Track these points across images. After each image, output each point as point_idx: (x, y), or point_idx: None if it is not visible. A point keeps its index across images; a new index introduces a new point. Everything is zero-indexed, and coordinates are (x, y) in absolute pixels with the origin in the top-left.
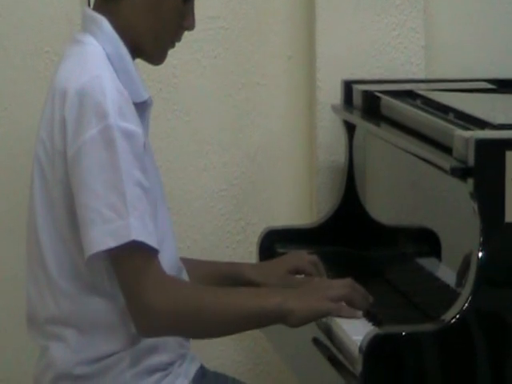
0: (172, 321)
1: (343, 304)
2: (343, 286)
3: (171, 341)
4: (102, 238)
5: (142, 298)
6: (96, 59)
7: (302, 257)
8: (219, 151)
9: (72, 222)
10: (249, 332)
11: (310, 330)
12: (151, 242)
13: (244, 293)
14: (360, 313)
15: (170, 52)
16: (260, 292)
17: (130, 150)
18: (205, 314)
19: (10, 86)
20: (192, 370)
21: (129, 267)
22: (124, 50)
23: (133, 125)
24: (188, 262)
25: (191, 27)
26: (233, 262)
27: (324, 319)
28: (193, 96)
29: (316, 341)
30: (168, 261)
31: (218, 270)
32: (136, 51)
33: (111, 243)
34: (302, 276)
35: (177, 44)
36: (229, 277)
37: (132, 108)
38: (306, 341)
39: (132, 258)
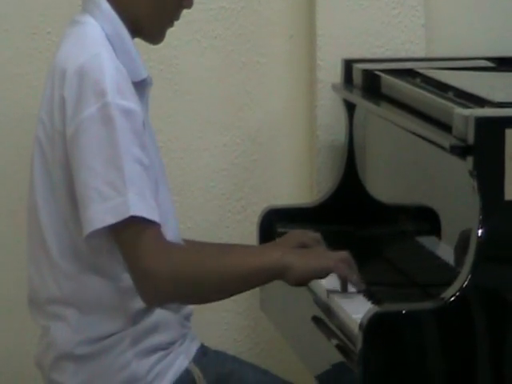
0: (174, 285)
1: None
2: (340, 253)
3: (172, 320)
4: (102, 215)
5: (143, 265)
6: (95, 38)
7: (306, 234)
8: (220, 131)
9: (72, 202)
10: (249, 312)
11: (310, 309)
12: (152, 216)
13: (243, 250)
14: (355, 277)
15: (170, 33)
16: (259, 248)
17: (128, 128)
18: (207, 275)
19: (12, 66)
20: (193, 349)
21: (129, 240)
22: (123, 30)
23: (131, 102)
24: (191, 244)
25: (190, 5)
26: (235, 243)
27: (324, 298)
28: (193, 76)
29: (316, 319)
30: (169, 240)
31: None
32: (135, 30)
33: (110, 220)
34: None
35: (177, 25)
36: None
37: (130, 86)
38: (306, 319)
39: (132, 232)
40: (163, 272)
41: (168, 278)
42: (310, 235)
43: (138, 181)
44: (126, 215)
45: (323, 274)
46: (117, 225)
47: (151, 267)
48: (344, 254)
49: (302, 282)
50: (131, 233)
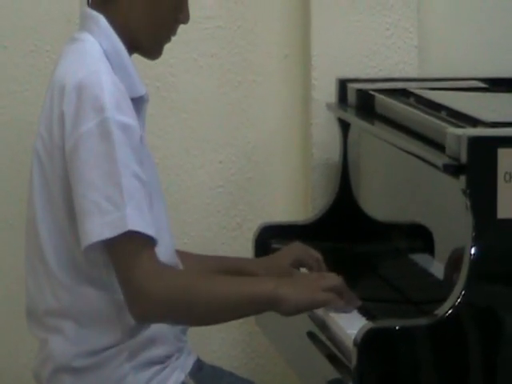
0: (166, 308)
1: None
2: (334, 277)
3: (168, 334)
4: (99, 229)
5: (136, 285)
6: (93, 55)
7: (307, 250)
8: (216, 148)
9: (71, 215)
10: (245, 326)
11: (305, 324)
12: (148, 231)
13: (237, 280)
14: (351, 308)
15: (168, 51)
16: (254, 279)
17: (126, 143)
18: (198, 301)
19: (11, 83)
20: (189, 363)
21: (124, 255)
22: (121, 46)
23: (129, 118)
24: (191, 257)
25: (186, 20)
26: (235, 256)
27: (319, 313)
28: (190, 94)
29: (311, 334)
30: (163, 255)
31: (221, 264)
32: (133, 47)
33: (108, 234)
34: (304, 269)
35: (174, 43)
36: (231, 271)
37: (129, 102)
38: (301, 334)
39: (127, 247)
40: (154, 294)
41: (159, 301)
42: (311, 253)
43: (135, 196)
44: (124, 230)
45: (316, 308)
46: (114, 239)
47: (143, 288)
48: (336, 281)
49: (295, 314)
50: (127, 250)
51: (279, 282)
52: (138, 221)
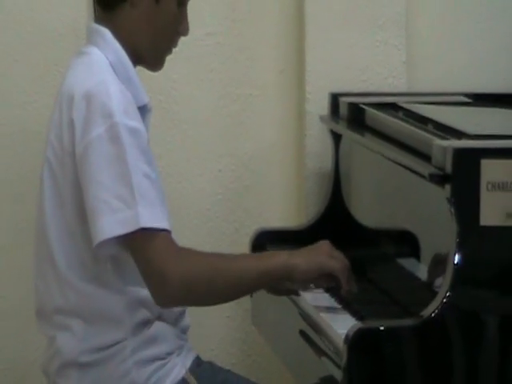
0: (187, 288)
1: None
2: (343, 258)
3: (170, 332)
4: (112, 226)
5: (155, 270)
6: (100, 66)
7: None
8: (215, 158)
9: (80, 217)
10: (242, 326)
11: (298, 324)
12: (162, 224)
13: (252, 255)
14: (355, 286)
15: (170, 66)
16: (267, 253)
17: (135, 145)
18: (217, 278)
19: (21, 94)
20: (189, 359)
21: (142, 250)
22: (125, 58)
23: (137, 122)
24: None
25: (186, 32)
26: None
27: (310, 314)
28: (191, 107)
29: (304, 334)
30: None
31: None
32: (137, 59)
33: (120, 231)
34: None
35: (176, 59)
36: None
37: (135, 108)
38: (295, 334)
39: (143, 242)
40: (175, 275)
41: (180, 281)
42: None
43: (146, 194)
44: (136, 227)
45: (325, 274)
46: (127, 236)
47: (163, 271)
48: (344, 259)
49: (308, 280)
50: (143, 245)
51: (291, 253)
52: (149, 217)
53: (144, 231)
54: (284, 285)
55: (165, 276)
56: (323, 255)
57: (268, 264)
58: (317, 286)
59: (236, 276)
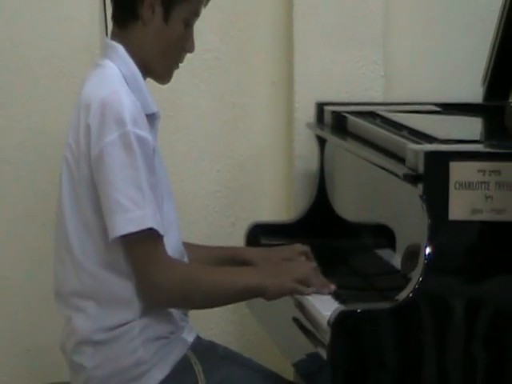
0: (176, 296)
1: (305, 286)
2: (307, 268)
3: (173, 314)
4: (123, 224)
5: (151, 279)
6: (114, 78)
7: (295, 249)
8: (214, 159)
9: (95, 211)
10: (237, 308)
11: (288, 307)
12: (160, 229)
13: (231, 272)
14: (325, 291)
15: (174, 78)
16: (243, 271)
17: (142, 153)
18: (202, 290)
19: (40, 103)
20: (190, 338)
21: (141, 250)
22: (136, 71)
23: (144, 132)
24: (196, 247)
25: (192, 49)
26: (234, 246)
27: (299, 298)
28: (192, 114)
29: (292, 315)
30: (173, 246)
31: (222, 253)
32: (146, 72)
33: (131, 229)
34: None
35: (179, 72)
36: (227, 258)
37: (144, 118)
38: (285, 316)
39: (145, 243)
40: (167, 287)
41: (171, 292)
42: (299, 250)
43: (152, 199)
44: (145, 226)
45: (288, 294)
46: (136, 234)
47: (158, 283)
48: (308, 272)
49: (276, 298)
50: (145, 245)
51: (264, 275)
52: (154, 220)
53: (149, 235)
54: None
55: (158, 287)
56: (290, 278)
57: (245, 283)
58: None
59: (216, 292)
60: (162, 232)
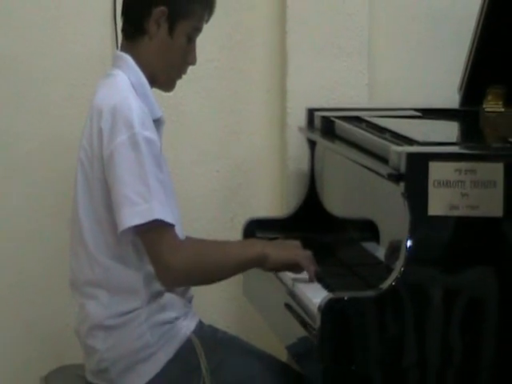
0: (187, 273)
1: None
2: (306, 251)
3: (178, 302)
4: (130, 217)
5: (163, 261)
6: (123, 86)
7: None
8: (214, 160)
9: (107, 208)
10: (235, 296)
11: (281, 295)
12: (169, 219)
13: (234, 245)
14: (315, 269)
15: (178, 86)
16: (245, 243)
17: (150, 152)
18: (210, 267)
19: (56, 109)
20: (193, 323)
21: (153, 238)
22: (144, 80)
23: (152, 133)
24: (197, 241)
25: (194, 62)
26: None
27: (291, 287)
28: (194, 119)
29: (285, 303)
30: None
31: None
32: (152, 81)
33: (138, 221)
34: None
35: (183, 81)
36: None
37: (151, 121)
38: (278, 303)
39: (155, 232)
40: (177, 264)
41: (182, 270)
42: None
43: (159, 193)
44: (152, 218)
45: (291, 266)
46: (143, 225)
47: (168, 261)
48: (308, 253)
49: (275, 269)
50: (154, 233)
51: (265, 244)
52: (161, 211)
53: (157, 224)
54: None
55: (169, 265)
56: (291, 251)
57: (248, 253)
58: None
59: (225, 265)
60: (171, 220)
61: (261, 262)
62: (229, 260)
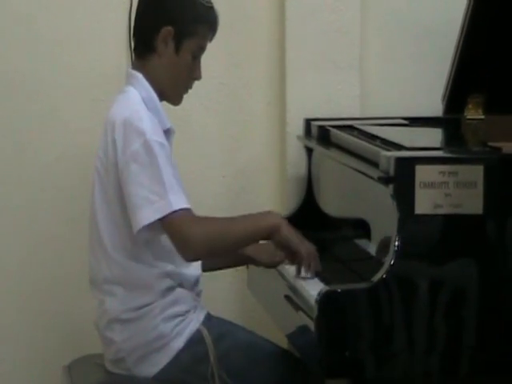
0: (206, 246)
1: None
2: (312, 246)
3: (188, 296)
4: (150, 214)
5: (184, 236)
6: (135, 101)
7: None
8: (219, 166)
9: (122, 211)
10: (239, 289)
11: (282, 289)
12: (185, 205)
13: (246, 218)
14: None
15: (186, 100)
16: (256, 215)
17: (163, 154)
18: (227, 237)
19: (78, 122)
20: (201, 316)
21: (173, 224)
22: (153, 95)
23: (162, 139)
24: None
25: (199, 77)
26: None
27: (291, 281)
28: (201, 129)
29: (286, 295)
30: None
31: None
32: (161, 95)
33: (157, 216)
34: None
35: (190, 95)
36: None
37: (160, 129)
38: (280, 296)
39: (175, 220)
40: (197, 237)
41: (201, 241)
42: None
43: (174, 186)
44: (169, 211)
45: (292, 251)
46: (164, 218)
47: (188, 236)
48: (313, 249)
49: (280, 244)
50: (175, 222)
51: (280, 218)
52: (178, 201)
53: (176, 213)
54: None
55: (189, 239)
56: (300, 239)
57: (262, 222)
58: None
59: (241, 235)
60: (186, 205)
61: (273, 232)
62: (245, 230)
